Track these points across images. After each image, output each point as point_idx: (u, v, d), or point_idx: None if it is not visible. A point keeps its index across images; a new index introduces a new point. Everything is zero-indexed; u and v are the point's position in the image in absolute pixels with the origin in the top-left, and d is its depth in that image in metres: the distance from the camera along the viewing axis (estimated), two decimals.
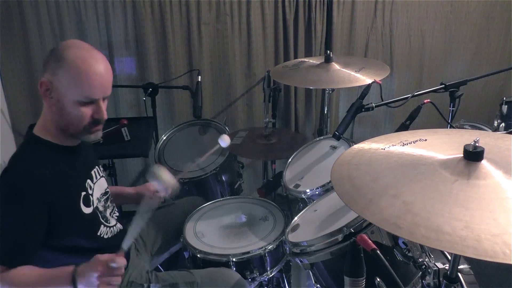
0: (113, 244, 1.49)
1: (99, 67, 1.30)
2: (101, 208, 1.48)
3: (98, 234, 1.44)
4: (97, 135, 1.39)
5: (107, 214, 1.52)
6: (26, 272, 1.27)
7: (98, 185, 1.50)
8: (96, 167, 1.53)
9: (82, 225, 1.39)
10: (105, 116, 1.35)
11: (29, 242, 1.28)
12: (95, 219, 1.44)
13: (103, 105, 1.34)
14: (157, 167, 1.53)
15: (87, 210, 1.40)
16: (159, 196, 1.82)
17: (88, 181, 1.45)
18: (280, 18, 2.75)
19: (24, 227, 1.26)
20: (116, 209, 1.62)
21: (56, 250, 1.36)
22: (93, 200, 1.44)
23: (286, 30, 2.79)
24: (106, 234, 1.48)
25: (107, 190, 1.57)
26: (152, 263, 1.81)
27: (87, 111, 1.31)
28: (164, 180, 1.51)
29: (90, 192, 1.44)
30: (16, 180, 1.26)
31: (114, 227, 1.53)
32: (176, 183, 1.55)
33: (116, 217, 1.59)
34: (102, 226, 1.46)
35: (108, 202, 1.55)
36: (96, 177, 1.51)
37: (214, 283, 1.54)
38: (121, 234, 1.56)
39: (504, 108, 2.24)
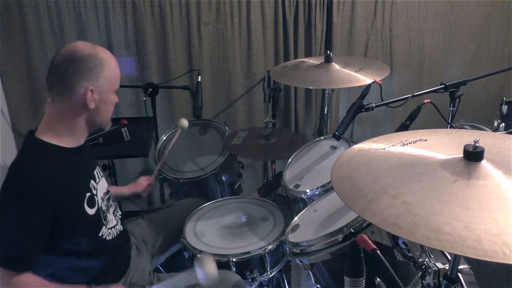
0: (114, 246, 1.50)
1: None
2: (104, 208, 1.49)
3: (100, 235, 1.44)
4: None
5: (110, 213, 1.53)
6: (35, 283, 1.28)
7: (101, 185, 1.51)
8: (97, 167, 1.55)
9: (85, 226, 1.40)
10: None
11: (34, 246, 1.29)
12: (98, 220, 1.45)
13: None
14: (204, 258, 1.44)
15: (91, 211, 1.41)
16: (149, 189, 1.88)
17: (92, 181, 1.46)
18: (280, 18, 2.75)
19: (29, 232, 1.27)
20: (119, 209, 1.63)
21: (57, 252, 1.36)
22: (97, 200, 1.45)
23: (286, 30, 2.79)
24: (108, 236, 1.48)
25: (108, 189, 1.58)
26: (152, 263, 1.81)
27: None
28: (207, 272, 1.40)
29: (94, 192, 1.45)
30: (21, 184, 1.26)
31: (114, 228, 1.53)
32: (217, 276, 1.41)
33: (119, 216, 1.60)
34: (103, 227, 1.46)
35: (110, 201, 1.56)
36: (98, 177, 1.52)
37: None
38: (122, 236, 1.57)
39: (504, 108, 2.24)
